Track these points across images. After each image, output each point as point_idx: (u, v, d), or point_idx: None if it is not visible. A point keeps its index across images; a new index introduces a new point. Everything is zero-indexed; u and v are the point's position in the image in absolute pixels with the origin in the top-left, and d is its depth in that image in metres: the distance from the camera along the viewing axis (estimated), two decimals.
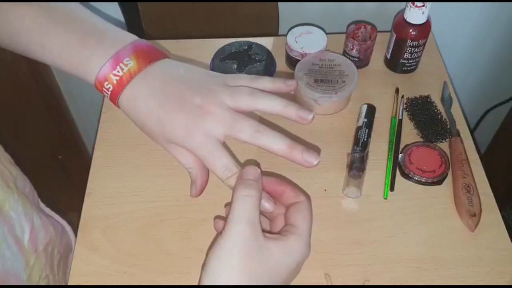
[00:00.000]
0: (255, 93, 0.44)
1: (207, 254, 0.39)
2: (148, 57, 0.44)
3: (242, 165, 0.42)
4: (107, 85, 0.44)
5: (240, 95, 0.44)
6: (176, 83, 0.44)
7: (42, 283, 0.60)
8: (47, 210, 0.68)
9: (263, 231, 0.39)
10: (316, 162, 0.41)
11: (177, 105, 0.43)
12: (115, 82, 0.43)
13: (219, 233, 0.39)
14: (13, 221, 0.55)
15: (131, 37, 0.46)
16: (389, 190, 0.66)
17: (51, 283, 0.62)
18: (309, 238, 0.41)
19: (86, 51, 0.44)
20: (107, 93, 0.44)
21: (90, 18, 0.47)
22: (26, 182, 0.62)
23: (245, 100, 0.43)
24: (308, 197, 0.43)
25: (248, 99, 0.43)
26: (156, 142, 0.46)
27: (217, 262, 0.37)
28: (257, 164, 0.59)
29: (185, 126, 0.42)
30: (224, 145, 0.44)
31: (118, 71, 0.43)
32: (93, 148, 0.72)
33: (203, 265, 0.39)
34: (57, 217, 0.69)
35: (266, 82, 0.46)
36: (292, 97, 0.77)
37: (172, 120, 0.43)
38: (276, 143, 0.42)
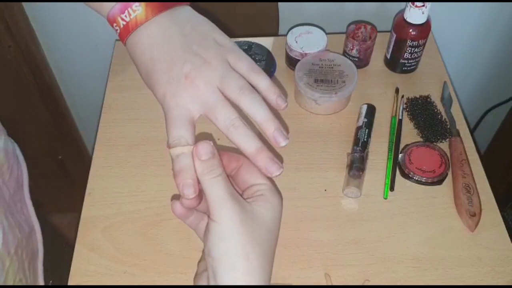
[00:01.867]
0: (245, 92, 0.42)
1: (205, 244, 0.39)
2: (158, 6, 0.43)
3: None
4: (115, 26, 0.44)
5: (229, 83, 0.42)
6: (175, 42, 0.43)
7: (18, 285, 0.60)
8: (29, 203, 0.68)
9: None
10: (277, 173, 0.41)
11: (165, 66, 0.42)
12: (121, 26, 0.43)
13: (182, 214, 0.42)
14: None
15: None
16: (389, 190, 0.66)
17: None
18: (276, 187, 0.43)
19: None
20: (116, 33, 0.45)
21: None
22: None
23: (232, 92, 0.42)
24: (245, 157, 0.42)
25: (235, 92, 0.42)
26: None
27: (225, 247, 0.38)
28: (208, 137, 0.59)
29: (164, 89, 0.42)
30: (193, 122, 0.42)
31: (125, 16, 0.43)
32: (93, 148, 0.72)
33: (205, 255, 0.39)
34: (32, 214, 0.68)
35: (261, 83, 0.44)
36: (293, 98, 0.77)
37: (156, 79, 0.43)
38: (245, 143, 0.41)
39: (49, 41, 0.98)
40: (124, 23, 0.43)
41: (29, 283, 0.64)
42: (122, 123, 0.74)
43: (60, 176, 1.23)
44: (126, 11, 0.42)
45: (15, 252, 0.60)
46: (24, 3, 0.90)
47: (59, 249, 0.71)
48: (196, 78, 0.41)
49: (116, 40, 0.84)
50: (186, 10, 0.45)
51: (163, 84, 0.42)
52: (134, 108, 0.76)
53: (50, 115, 1.09)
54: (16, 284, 0.59)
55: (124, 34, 0.43)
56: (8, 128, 0.69)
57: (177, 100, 0.42)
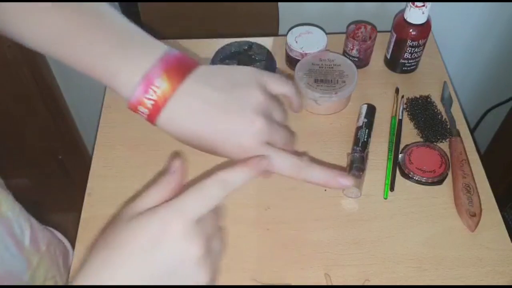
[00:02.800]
0: (288, 144, 0.45)
1: None
2: (180, 73, 0.41)
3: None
4: (141, 109, 0.41)
5: (276, 140, 0.43)
6: (217, 100, 0.41)
7: (50, 283, 0.60)
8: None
9: None
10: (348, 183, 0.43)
11: (222, 126, 0.41)
12: (150, 106, 0.40)
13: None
14: (11, 221, 0.55)
15: (160, 49, 0.42)
16: (389, 190, 0.66)
17: (59, 283, 0.62)
18: (182, 207, 0.36)
19: (113, 66, 0.41)
20: (143, 116, 0.42)
21: (117, 23, 0.43)
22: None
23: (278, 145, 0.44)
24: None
25: (280, 143, 0.44)
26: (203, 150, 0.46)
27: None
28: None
29: (238, 144, 0.42)
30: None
31: (151, 95, 0.40)
32: (93, 148, 0.72)
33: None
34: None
35: (295, 102, 0.47)
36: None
37: (220, 141, 0.42)
38: (315, 179, 0.43)
39: None
40: (153, 102, 0.40)
41: (64, 280, 0.64)
42: (122, 123, 0.74)
43: (60, 176, 1.23)
44: (150, 90, 0.40)
45: (47, 249, 0.60)
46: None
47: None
48: (262, 120, 0.41)
49: None
50: (206, 68, 0.43)
51: (234, 141, 0.42)
52: None
53: (50, 115, 1.09)
54: (46, 281, 0.59)
55: (154, 114, 0.41)
56: (8, 128, 0.69)
57: (257, 144, 0.42)
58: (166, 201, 0.37)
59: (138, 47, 0.42)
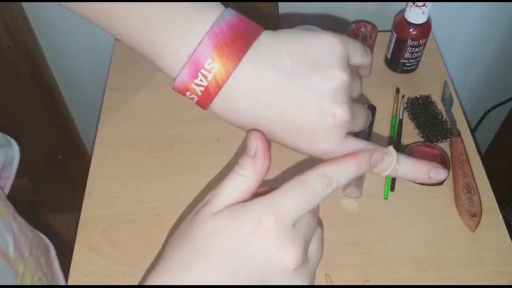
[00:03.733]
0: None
1: None
2: (236, 50, 0.32)
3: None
4: (190, 95, 0.33)
5: (356, 123, 0.36)
6: (285, 86, 0.32)
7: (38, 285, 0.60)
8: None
9: None
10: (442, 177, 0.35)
11: (295, 119, 0.33)
12: (200, 93, 0.33)
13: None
14: None
15: (212, 13, 0.32)
16: (389, 190, 0.66)
17: (46, 284, 0.62)
18: (276, 206, 0.31)
19: (155, 39, 0.33)
20: (193, 101, 0.34)
21: None
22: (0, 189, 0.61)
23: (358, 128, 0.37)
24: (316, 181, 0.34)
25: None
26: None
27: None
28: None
29: (312, 141, 0.35)
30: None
31: (201, 80, 0.32)
32: (93, 148, 0.71)
33: None
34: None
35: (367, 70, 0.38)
36: None
37: (292, 136, 0.35)
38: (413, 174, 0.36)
39: (48, 41, 0.98)
40: (202, 88, 0.32)
41: (49, 279, 0.63)
42: (122, 123, 0.74)
43: (59, 176, 1.23)
44: (200, 74, 0.32)
45: (29, 254, 0.60)
46: (23, 3, 0.90)
47: (58, 250, 0.71)
48: (343, 113, 0.33)
49: (116, 40, 0.84)
50: (266, 37, 0.33)
51: (308, 137, 0.34)
52: (134, 108, 0.76)
53: (50, 115, 1.08)
54: (35, 283, 0.59)
55: (207, 100, 0.33)
56: (8, 128, 0.69)
57: (334, 141, 0.35)
58: (253, 194, 0.32)
59: (184, 12, 0.33)
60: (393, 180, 0.67)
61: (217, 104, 0.33)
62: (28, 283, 0.58)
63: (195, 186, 0.66)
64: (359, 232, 0.63)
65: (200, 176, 0.67)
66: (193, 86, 0.32)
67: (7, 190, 0.65)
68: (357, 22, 0.80)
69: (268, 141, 0.33)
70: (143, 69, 0.80)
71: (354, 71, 0.36)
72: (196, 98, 0.33)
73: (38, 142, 1.12)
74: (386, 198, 0.66)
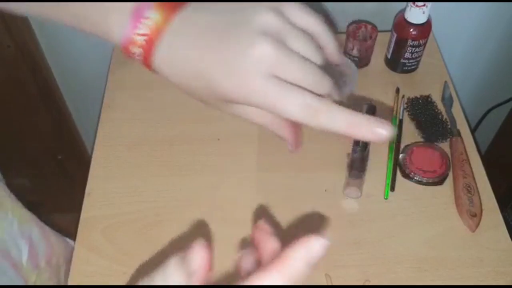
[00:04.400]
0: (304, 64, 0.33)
1: None
2: (174, 3, 0.34)
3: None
4: (134, 49, 0.35)
5: (290, 71, 0.33)
6: (217, 25, 0.34)
7: None
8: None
9: None
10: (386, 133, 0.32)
11: (222, 53, 0.33)
12: (143, 42, 0.34)
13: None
14: (8, 245, 0.54)
15: None
16: (389, 190, 0.66)
17: None
18: None
19: (100, 9, 0.35)
20: (138, 59, 0.36)
21: None
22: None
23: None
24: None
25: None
26: (211, 106, 0.37)
27: None
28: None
29: (237, 76, 0.33)
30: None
31: (142, 29, 0.33)
32: (93, 148, 0.71)
33: None
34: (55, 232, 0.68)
35: (330, 44, 0.36)
36: None
37: (219, 73, 0.33)
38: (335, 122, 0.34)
39: (48, 41, 0.98)
40: (145, 37, 0.34)
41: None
42: (122, 123, 0.74)
43: (59, 176, 1.23)
44: (140, 24, 0.33)
45: (47, 262, 0.59)
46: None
47: None
48: (265, 44, 0.32)
49: None
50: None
51: (232, 72, 0.33)
52: (134, 108, 0.76)
53: (50, 115, 1.08)
54: None
55: (149, 50, 0.34)
56: (8, 128, 0.69)
57: (259, 76, 0.32)
58: None
59: None
60: (393, 180, 0.67)
61: (160, 54, 0.34)
62: None
63: (195, 186, 0.66)
64: (359, 232, 0.63)
65: (200, 176, 0.67)
66: (136, 37, 0.34)
67: None
68: (357, 22, 0.80)
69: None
70: (143, 69, 0.79)
71: (300, 29, 0.34)
72: (140, 51, 0.34)
73: (38, 142, 1.12)
74: (386, 198, 0.66)
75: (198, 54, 0.33)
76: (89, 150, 1.24)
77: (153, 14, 0.33)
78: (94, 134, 0.73)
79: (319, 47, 0.35)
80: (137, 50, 0.34)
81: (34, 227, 0.59)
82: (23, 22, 0.92)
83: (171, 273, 0.27)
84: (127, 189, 0.67)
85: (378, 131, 0.32)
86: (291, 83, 0.32)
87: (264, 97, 0.32)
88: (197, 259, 0.27)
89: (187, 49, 0.34)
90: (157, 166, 0.69)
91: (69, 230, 0.73)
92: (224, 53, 0.33)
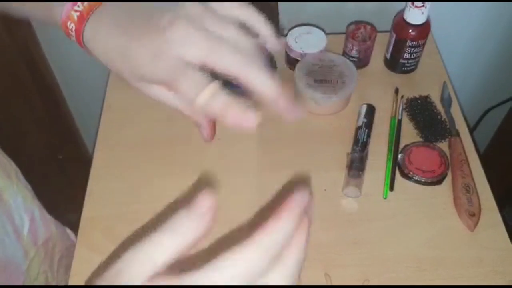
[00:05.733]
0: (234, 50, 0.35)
1: None
2: None
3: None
4: (70, 25, 0.38)
5: (215, 51, 0.34)
6: (143, 7, 0.37)
7: (40, 278, 0.60)
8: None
9: None
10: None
11: (142, 29, 0.35)
12: (76, 18, 0.38)
13: None
14: (12, 210, 0.55)
15: None
16: (388, 190, 0.66)
17: (49, 280, 0.62)
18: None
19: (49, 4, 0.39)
20: (72, 35, 0.39)
21: None
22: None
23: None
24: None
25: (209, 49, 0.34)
26: (129, 82, 0.39)
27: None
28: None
29: (150, 52, 0.35)
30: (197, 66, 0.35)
31: (78, 6, 0.37)
32: (93, 148, 0.72)
33: None
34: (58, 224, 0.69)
35: (262, 29, 0.38)
36: (292, 98, 0.77)
37: (137, 48, 0.36)
38: (266, 85, 0.36)
39: (49, 41, 0.98)
40: (78, 14, 0.37)
41: (54, 277, 0.64)
42: (123, 123, 0.74)
43: (60, 177, 1.23)
44: (79, 2, 0.38)
45: (43, 243, 0.60)
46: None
47: None
48: (181, 23, 0.34)
49: None
50: None
51: (147, 48, 0.35)
52: (134, 108, 0.76)
53: (50, 115, 1.09)
54: (39, 275, 0.59)
55: (80, 26, 0.38)
56: (7, 128, 0.69)
57: (170, 55, 0.34)
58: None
59: None
60: (392, 180, 0.67)
61: (89, 29, 0.37)
62: (34, 271, 0.58)
63: (195, 186, 0.66)
64: (359, 232, 0.63)
65: (200, 176, 0.67)
66: (72, 12, 0.37)
67: None
68: (356, 22, 0.80)
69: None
70: None
71: (224, 17, 0.36)
72: (73, 26, 0.38)
73: (38, 142, 1.12)
74: (385, 198, 0.66)
75: (120, 34, 0.36)
76: (89, 150, 1.24)
77: None
78: (94, 134, 0.73)
79: (246, 34, 0.37)
80: (71, 26, 0.38)
81: (36, 209, 0.60)
82: (23, 22, 0.92)
83: (180, 218, 0.27)
84: (128, 189, 0.67)
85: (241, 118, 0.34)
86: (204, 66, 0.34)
87: (167, 77, 0.35)
88: (204, 202, 0.27)
89: (114, 29, 0.36)
90: (157, 166, 0.69)
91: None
92: (145, 31, 0.35)
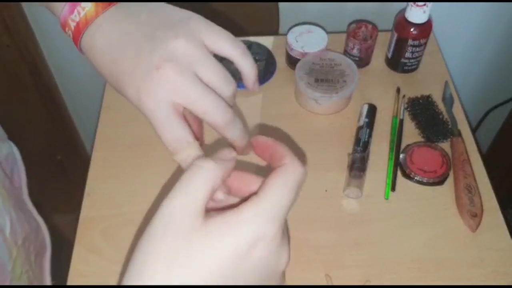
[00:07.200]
0: (224, 90, 0.37)
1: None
2: (108, 2, 0.38)
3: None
4: (67, 31, 0.39)
5: (208, 75, 0.36)
6: (134, 34, 0.37)
7: (24, 277, 0.60)
8: (29, 204, 0.68)
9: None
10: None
11: (131, 64, 0.36)
12: (73, 28, 0.39)
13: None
14: None
15: None
16: (390, 190, 0.66)
17: (31, 279, 0.62)
18: (275, 212, 0.29)
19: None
20: (70, 37, 0.40)
21: None
22: (6, 178, 0.61)
23: (211, 84, 0.36)
24: (297, 162, 0.33)
25: (215, 87, 0.36)
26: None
27: (143, 251, 0.29)
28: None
29: (137, 89, 0.37)
30: (182, 115, 0.37)
31: (75, 16, 0.38)
32: (92, 148, 0.71)
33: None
34: (35, 213, 0.68)
35: (245, 67, 0.39)
36: (293, 97, 0.77)
37: (124, 81, 0.37)
38: (240, 139, 0.38)
39: (47, 41, 0.98)
40: (75, 24, 0.38)
41: (35, 276, 0.64)
42: (121, 123, 0.74)
43: (59, 177, 1.23)
44: (76, 11, 0.38)
45: (22, 243, 0.60)
46: (23, 3, 0.90)
47: (57, 250, 0.71)
48: (169, 68, 0.35)
49: None
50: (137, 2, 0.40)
51: (134, 84, 0.37)
52: (133, 108, 0.75)
53: (49, 115, 1.08)
54: (22, 275, 0.59)
55: (76, 37, 0.39)
56: (7, 128, 0.69)
57: (155, 98, 0.36)
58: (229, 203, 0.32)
59: None
60: (394, 180, 0.67)
61: (84, 39, 0.39)
62: (18, 270, 0.58)
63: None
64: (360, 233, 0.62)
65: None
66: (70, 21, 0.38)
67: (24, 184, 0.66)
68: (357, 21, 0.80)
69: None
70: None
71: (215, 60, 0.37)
72: (70, 34, 0.39)
73: (37, 142, 1.12)
74: (386, 198, 0.65)
75: (113, 57, 0.37)
76: (88, 150, 1.24)
77: (87, 5, 0.38)
78: (93, 134, 0.73)
79: (230, 77, 0.38)
80: (68, 33, 0.39)
81: (11, 208, 0.59)
82: (22, 21, 0.92)
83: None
84: (127, 189, 0.66)
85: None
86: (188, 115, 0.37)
87: (151, 118, 0.37)
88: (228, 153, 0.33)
89: (106, 48, 0.38)
90: (156, 166, 0.69)
91: (68, 230, 0.73)
92: (133, 66, 0.36)
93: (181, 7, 0.41)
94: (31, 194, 0.70)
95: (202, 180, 0.30)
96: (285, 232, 0.31)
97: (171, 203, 0.30)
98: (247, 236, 0.28)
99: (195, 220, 0.29)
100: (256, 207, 0.29)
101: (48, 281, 0.68)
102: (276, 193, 0.30)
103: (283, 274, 0.32)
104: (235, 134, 0.38)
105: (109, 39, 0.38)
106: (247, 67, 0.39)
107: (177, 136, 0.36)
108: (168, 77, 0.35)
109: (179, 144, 0.36)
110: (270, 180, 0.31)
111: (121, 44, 0.37)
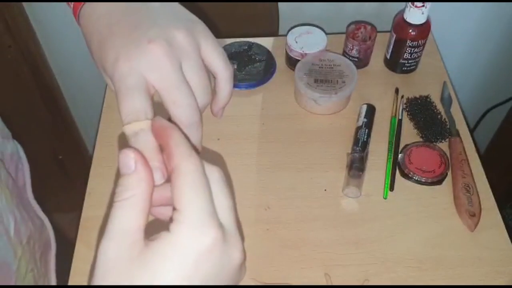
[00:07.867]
0: (200, 93, 0.36)
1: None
2: None
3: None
4: (70, 4, 0.39)
5: (193, 72, 0.36)
6: (140, 11, 0.37)
7: (29, 276, 0.60)
8: (33, 202, 0.68)
9: None
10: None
11: (125, 30, 0.36)
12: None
13: None
14: (1, 211, 0.55)
15: None
16: (389, 190, 0.66)
17: (36, 278, 0.62)
18: (202, 220, 0.29)
19: None
20: (70, 7, 0.40)
21: None
22: (9, 177, 0.62)
23: (190, 81, 0.36)
24: (187, 158, 0.31)
25: (193, 85, 0.36)
26: (99, 70, 0.39)
27: None
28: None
29: (117, 53, 0.35)
30: (150, 93, 0.36)
31: None
32: (93, 148, 0.72)
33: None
34: (39, 211, 0.69)
35: (222, 83, 0.39)
36: (293, 98, 0.77)
37: (110, 44, 0.35)
38: (196, 141, 0.37)
39: (49, 41, 0.98)
40: None
41: (40, 275, 0.64)
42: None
43: (60, 176, 1.23)
44: None
45: (27, 242, 0.61)
46: (24, 3, 0.91)
47: (59, 249, 0.71)
48: (161, 46, 0.34)
49: None
50: None
51: (117, 48, 0.35)
52: None
53: (50, 115, 1.09)
54: (27, 274, 0.60)
55: (77, 4, 0.38)
56: (8, 128, 0.69)
57: (133, 64, 0.34)
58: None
59: None
60: (393, 180, 0.67)
61: (84, 11, 0.38)
62: (23, 270, 0.59)
63: None
64: (359, 232, 0.63)
65: None
66: None
67: (28, 183, 0.67)
68: (356, 22, 0.80)
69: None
70: None
71: (199, 59, 0.37)
72: (72, 3, 0.39)
73: (38, 142, 1.12)
74: (385, 198, 0.66)
75: (109, 30, 0.36)
76: (90, 150, 1.24)
77: None
78: (94, 134, 0.73)
79: (210, 90, 0.37)
80: (71, 4, 0.39)
81: (15, 207, 0.60)
82: (23, 22, 0.92)
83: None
84: None
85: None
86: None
87: (118, 82, 0.34)
88: (126, 158, 0.31)
89: (103, 19, 0.37)
90: None
91: (69, 229, 0.74)
92: (127, 33, 0.35)
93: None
94: (33, 193, 0.71)
95: (135, 209, 0.30)
96: (229, 226, 0.30)
97: (106, 245, 0.29)
98: (189, 255, 0.28)
99: (132, 253, 0.29)
100: (181, 224, 0.29)
101: (53, 279, 0.68)
102: (191, 201, 0.29)
103: (242, 265, 0.31)
104: (192, 139, 0.37)
105: (112, 8, 0.37)
106: (225, 92, 0.39)
107: (137, 107, 0.34)
108: (155, 53, 0.34)
109: (136, 115, 0.33)
110: (176, 191, 0.29)
111: (124, 13, 0.37)
